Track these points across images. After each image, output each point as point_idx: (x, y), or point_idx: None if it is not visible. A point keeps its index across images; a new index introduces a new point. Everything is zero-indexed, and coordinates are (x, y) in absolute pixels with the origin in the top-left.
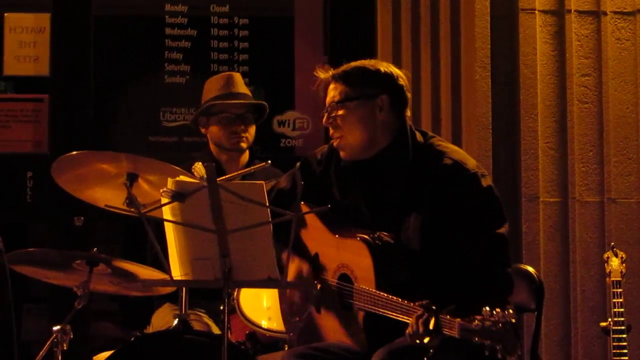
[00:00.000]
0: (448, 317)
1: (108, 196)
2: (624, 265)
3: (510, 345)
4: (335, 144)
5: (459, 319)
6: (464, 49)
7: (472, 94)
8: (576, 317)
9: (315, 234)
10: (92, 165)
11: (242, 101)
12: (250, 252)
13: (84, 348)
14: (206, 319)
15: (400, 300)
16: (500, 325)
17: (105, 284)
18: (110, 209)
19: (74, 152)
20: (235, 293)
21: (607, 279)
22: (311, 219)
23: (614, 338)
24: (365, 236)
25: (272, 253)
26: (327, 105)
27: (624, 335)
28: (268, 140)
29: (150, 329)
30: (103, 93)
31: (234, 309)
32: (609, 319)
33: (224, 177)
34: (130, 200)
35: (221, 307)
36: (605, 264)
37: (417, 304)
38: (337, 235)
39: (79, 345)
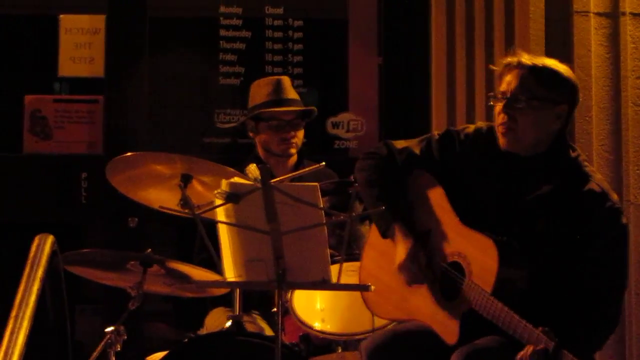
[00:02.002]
0: (570, 356)
1: (162, 197)
2: None
3: None
4: (502, 131)
5: None
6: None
7: None
8: (631, 320)
9: (437, 211)
10: (146, 166)
11: (292, 108)
12: (304, 253)
13: (138, 349)
14: (260, 320)
15: (518, 317)
16: None
17: (159, 285)
18: (165, 210)
19: (128, 153)
20: (289, 294)
21: None
22: (437, 196)
23: None
24: (499, 238)
25: (327, 254)
26: (505, 92)
27: None
28: (322, 142)
29: (203, 331)
30: (157, 94)
31: (288, 311)
32: None
33: (278, 179)
34: (185, 202)
35: (275, 309)
36: None
37: (539, 329)
38: (462, 223)
39: (133, 346)
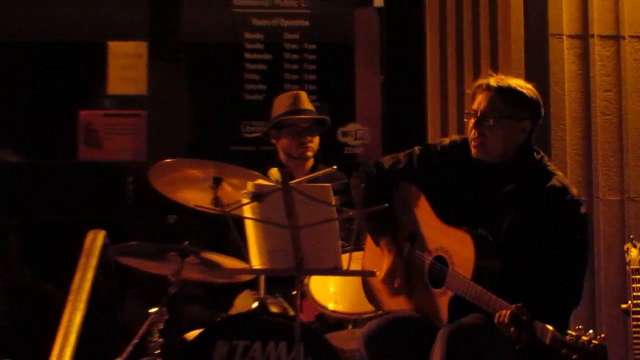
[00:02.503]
0: (541, 324)
1: (197, 197)
2: None
3: None
4: (474, 144)
5: (552, 328)
6: (501, 69)
7: None
8: (600, 300)
9: (421, 215)
10: (183, 170)
11: (308, 116)
12: (318, 244)
13: (177, 327)
14: (282, 302)
15: (495, 297)
16: (592, 346)
17: (195, 272)
18: (199, 209)
19: (168, 160)
20: (306, 280)
21: (627, 267)
22: (419, 201)
23: (633, 318)
24: (473, 231)
25: (338, 245)
26: (476, 110)
27: None
28: (333, 149)
29: (233, 311)
30: (191, 109)
31: (305, 294)
32: (629, 302)
33: (296, 180)
34: (216, 201)
35: (294, 292)
36: (625, 254)
37: (513, 306)
38: (443, 222)
39: (173, 324)
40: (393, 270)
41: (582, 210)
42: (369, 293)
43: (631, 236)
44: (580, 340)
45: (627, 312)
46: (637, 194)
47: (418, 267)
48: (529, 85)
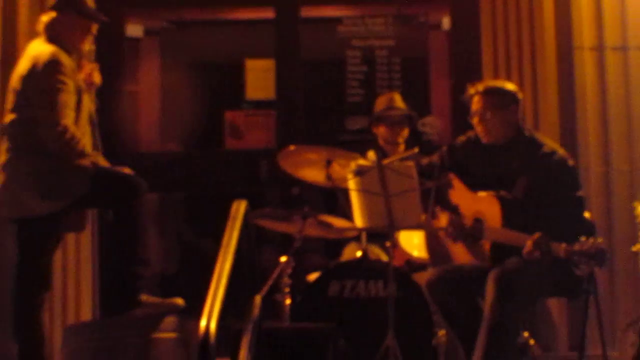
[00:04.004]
0: (556, 244)
1: (314, 174)
2: None
3: (600, 260)
4: (481, 134)
5: (564, 245)
6: (539, 73)
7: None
8: (616, 244)
9: (458, 192)
10: (303, 154)
11: (400, 112)
12: (405, 207)
13: (301, 271)
14: (378, 251)
15: (521, 234)
16: (593, 248)
17: (313, 230)
18: (316, 183)
19: (292, 147)
20: (397, 234)
21: (636, 219)
22: (455, 182)
23: None
24: (496, 193)
25: (419, 208)
26: (475, 111)
27: None
28: (415, 136)
29: (342, 258)
30: (309, 109)
31: (396, 244)
32: (638, 245)
33: (387, 160)
34: (328, 177)
35: (388, 244)
36: (634, 210)
37: (535, 236)
38: (474, 192)
39: (298, 269)
40: (448, 225)
41: (570, 163)
42: (433, 248)
43: (638, 197)
44: (585, 247)
45: (635, 254)
46: None
47: (465, 230)
48: (507, 82)
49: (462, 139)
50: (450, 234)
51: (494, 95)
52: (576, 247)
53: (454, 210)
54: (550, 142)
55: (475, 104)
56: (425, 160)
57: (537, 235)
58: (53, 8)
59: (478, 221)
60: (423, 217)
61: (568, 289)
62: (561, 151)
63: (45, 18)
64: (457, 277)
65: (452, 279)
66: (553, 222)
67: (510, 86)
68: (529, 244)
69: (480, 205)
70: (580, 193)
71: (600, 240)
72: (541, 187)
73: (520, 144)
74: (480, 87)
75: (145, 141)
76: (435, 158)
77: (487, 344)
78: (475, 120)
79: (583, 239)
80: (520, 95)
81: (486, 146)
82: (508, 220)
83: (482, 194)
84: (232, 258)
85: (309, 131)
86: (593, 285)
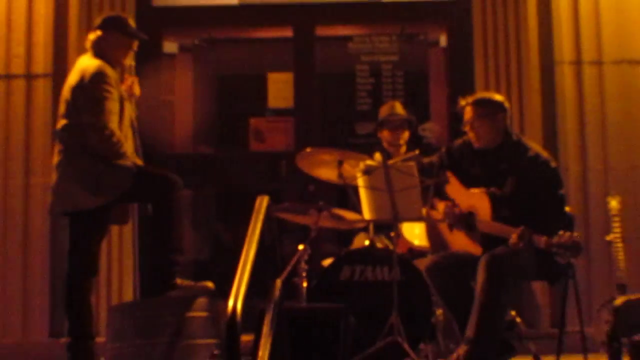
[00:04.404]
0: (537, 236)
1: (327, 173)
2: (619, 204)
3: (575, 251)
4: (473, 140)
5: (545, 237)
6: (524, 82)
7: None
8: (591, 234)
9: (454, 188)
10: (318, 156)
11: (400, 117)
12: (407, 202)
13: (316, 257)
14: (385, 240)
15: (507, 226)
16: (569, 241)
17: (327, 222)
18: (329, 181)
19: (308, 149)
20: (400, 225)
21: (609, 212)
22: (452, 179)
23: (614, 245)
24: (487, 190)
25: (420, 202)
26: (467, 120)
27: (620, 245)
28: (416, 139)
29: (353, 246)
30: (323, 116)
31: (399, 234)
32: (611, 234)
33: (391, 161)
34: (340, 175)
35: (392, 234)
36: (607, 204)
37: (519, 229)
38: (468, 189)
39: (314, 256)
40: (445, 212)
41: (553, 165)
42: (433, 237)
43: (612, 192)
44: (563, 240)
45: (609, 242)
46: (614, 165)
47: (460, 220)
48: (494, 94)
49: (458, 142)
50: (447, 220)
51: (483, 106)
52: (555, 240)
53: (450, 201)
54: (535, 146)
55: (467, 113)
56: (426, 160)
57: (520, 228)
58: (99, 27)
59: (471, 214)
60: (424, 210)
61: (550, 274)
62: (545, 154)
63: (92, 36)
64: (453, 263)
65: (448, 265)
66: (537, 217)
67: (497, 97)
68: (514, 236)
69: (473, 200)
70: (561, 191)
71: (576, 234)
72: (527, 186)
73: (509, 148)
74: (470, 99)
75: (180, 144)
76: (434, 158)
77: (479, 321)
78: (467, 128)
79: (561, 232)
80: (507, 105)
81: (478, 150)
82: (497, 214)
83: (474, 190)
84: (256, 246)
85: (323, 135)
86: (572, 270)
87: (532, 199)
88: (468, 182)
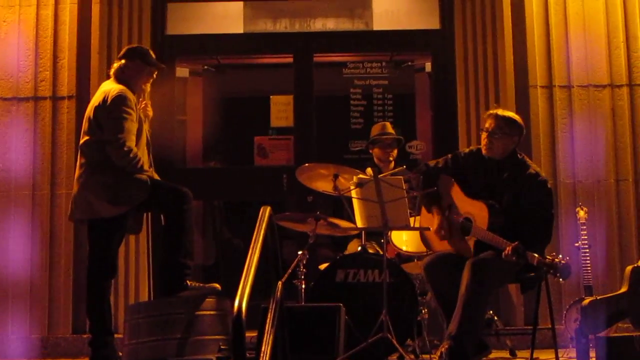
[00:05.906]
0: (531, 253)
1: (324, 185)
2: (586, 214)
3: (565, 274)
4: (485, 148)
5: (537, 255)
6: (501, 103)
7: None
8: (561, 241)
9: (454, 193)
10: (315, 170)
11: (390, 137)
12: (396, 212)
13: (314, 261)
14: (375, 246)
15: (502, 239)
16: (561, 263)
17: (324, 229)
18: (325, 192)
19: (306, 164)
20: (389, 233)
21: (578, 221)
22: (453, 185)
23: (582, 251)
24: (487, 201)
25: (407, 212)
26: (488, 128)
27: (587, 250)
28: (403, 156)
29: (347, 252)
30: (320, 135)
31: (389, 241)
32: (579, 241)
33: (382, 175)
34: (335, 188)
35: (382, 240)
36: (577, 214)
37: (514, 244)
38: (468, 197)
39: (312, 260)
40: (440, 226)
41: (549, 185)
42: (425, 241)
43: (580, 204)
44: (555, 261)
45: (578, 248)
46: (582, 179)
47: (455, 225)
48: (518, 117)
49: (465, 150)
50: (439, 233)
51: (508, 124)
52: (547, 260)
53: (449, 207)
54: (536, 166)
55: (490, 123)
56: (431, 163)
57: (516, 243)
58: (123, 57)
59: (468, 220)
60: (412, 220)
61: (525, 279)
62: (543, 174)
63: (117, 64)
64: (448, 261)
65: (443, 263)
66: (526, 231)
67: (520, 121)
68: (508, 249)
69: (473, 208)
70: (552, 211)
71: (568, 258)
72: (523, 200)
73: (512, 162)
74: (500, 111)
75: (191, 159)
76: (440, 161)
77: (461, 319)
78: (483, 135)
79: (553, 254)
80: (524, 131)
81: (484, 159)
82: (492, 224)
83: (475, 200)
84: (260, 251)
85: (320, 152)
86: (544, 273)
87: (525, 213)
88: (469, 188)
